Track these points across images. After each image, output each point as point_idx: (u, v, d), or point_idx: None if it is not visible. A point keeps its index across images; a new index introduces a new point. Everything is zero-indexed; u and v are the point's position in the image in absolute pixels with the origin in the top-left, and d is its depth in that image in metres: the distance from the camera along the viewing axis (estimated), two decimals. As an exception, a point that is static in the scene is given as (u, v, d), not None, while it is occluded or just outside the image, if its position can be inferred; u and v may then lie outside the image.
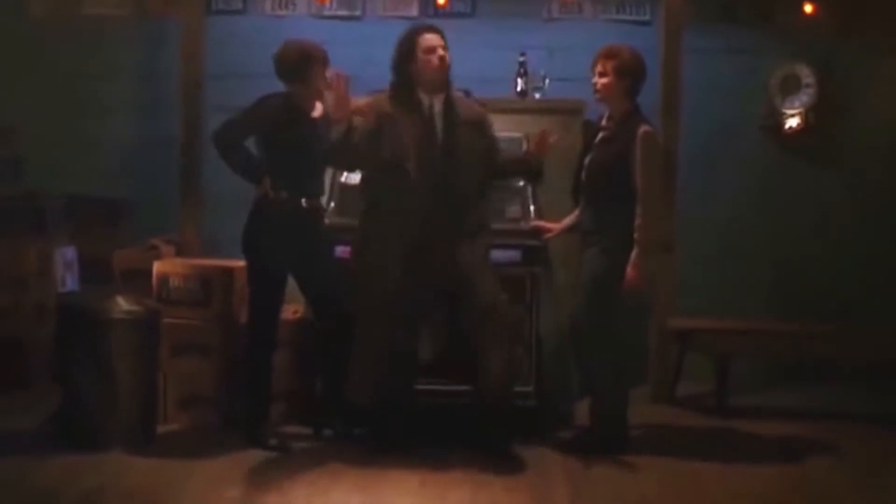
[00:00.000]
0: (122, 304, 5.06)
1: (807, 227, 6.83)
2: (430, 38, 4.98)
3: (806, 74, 6.81)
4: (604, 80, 5.10)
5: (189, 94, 6.32)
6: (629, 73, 5.11)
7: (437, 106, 5.00)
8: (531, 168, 5.21)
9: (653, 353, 6.31)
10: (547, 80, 6.09)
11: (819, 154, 6.88)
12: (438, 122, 4.98)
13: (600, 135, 5.17)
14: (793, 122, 6.84)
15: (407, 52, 4.98)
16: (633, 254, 4.96)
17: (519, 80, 6.11)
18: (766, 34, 6.78)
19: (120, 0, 6.70)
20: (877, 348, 6.22)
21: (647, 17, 6.71)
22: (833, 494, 4.71)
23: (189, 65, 6.34)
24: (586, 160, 5.15)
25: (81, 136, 6.81)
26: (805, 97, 6.82)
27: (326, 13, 6.78)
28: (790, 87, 6.83)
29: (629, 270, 4.95)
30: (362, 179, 5.20)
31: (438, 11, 6.67)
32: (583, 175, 5.15)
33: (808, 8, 6.67)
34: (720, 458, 5.15)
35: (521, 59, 6.13)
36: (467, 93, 5.83)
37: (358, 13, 6.81)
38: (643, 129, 5.04)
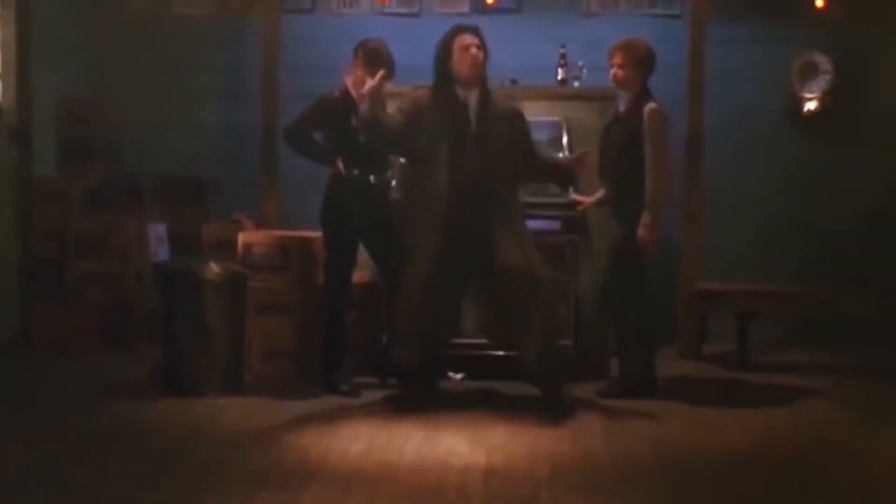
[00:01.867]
0: (214, 269, 5.64)
1: (824, 199, 7.20)
2: (465, 38, 5.26)
3: (823, 61, 7.19)
4: (622, 71, 5.58)
5: (268, 84, 6.83)
6: (644, 63, 5.58)
7: (473, 100, 5.27)
8: (566, 178, 5.58)
9: (680, 314, 6.77)
10: (584, 71, 6.52)
11: (835, 134, 7.24)
12: (472, 115, 5.26)
13: (616, 117, 5.65)
14: (811, 106, 7.24)
15: (445, 50, 5.28)
16: (644, 216, 5.44)
17: (560, 70, 6.55)
18: (785, 25, 7.14)
19: (206, 0, 7.26)
20: (888, 309, 6.63)
21: (677, 12, 7.11)
22: (835, 438, 5.10)
23: (267, 58, 6.85)
24: (607, 143, 5.63)
25: (172, 122, 7.27)
26: (822, 82, 7.20)
27: (387, 11, 7.26)
28: (808, 73, 7.22)
29: (641, 231, 5.44)
30: (402, 167, 5.62)
31: (487, 8, 7.13)
32: (603, 153, 5.64)
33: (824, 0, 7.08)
34: (737, 406, 5.62)
35: (562, 51, 6.57)
36: (514, 81, 6.31)
37: (415, 10, 7.29)
38: (650, 106, 5.52)
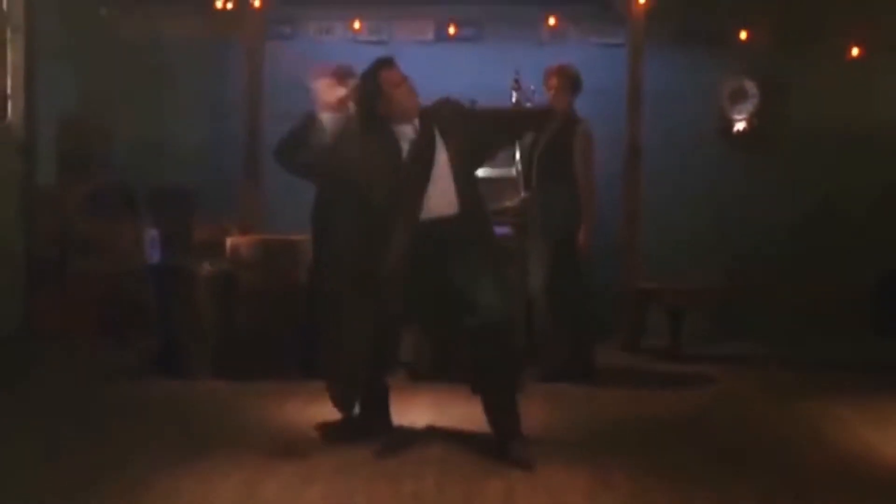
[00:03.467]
0: (207, 267, 6.37)
1: (751, 207, 8.03)
2: (393, 75, 4.87)
3: (751, 87, 8.05)
4: (557, 93, 6.35)
5: (251, 102, 7.55)
6: (575, 86, 6.37)
7: (410, 131, 4.87)
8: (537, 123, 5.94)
9: (622, 311, 7.55)
10: (535, 94, 7.24)
11: (761, 151, 8.10)
12: (405, 147, 4.84)
13: (549, 133, 6.38)
14: (740, 126, 8.09)
15: (373, 88, 4.90)
16: (583, 226, 6.22)
17: (514, 93, 7.32)
18: (717, 53, 7.99)
19: (195, 25, 7.95)
20: (802, 303, 7.45)
21: (620, 41, 7.83)
22: (751, 414, 5.88)
23: (251, 79, 7.57)
24: (535, 153, 6.38)
25: (161, 136, 7.96)
26: (750, 105, 8.06)
27: (359, 39, 8.00)
28: (738, 97, 8.07)
29: (580, 238, 6.22)
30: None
31: (450, 37, 7.89)
32: (534, 164, 6.38)
33: (752, 33, 7.90)
34: (667, 389, 6.41)
35: (516, 76, 7.34)
36: (473, 102, 7.02)
37: (384, 38, 8.04)
38: (583, 127, 6.30)
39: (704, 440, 5.28)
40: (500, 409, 4.82)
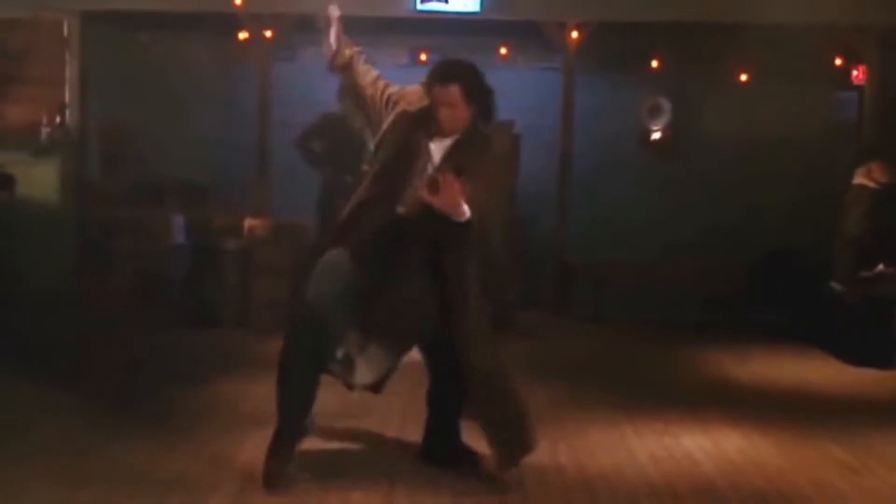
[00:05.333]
0: (230, 243, 8.07)
1: (663, 201, 9.79)
2: (437, 93, 4.50)
3: (665, 103, 9.82)
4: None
5: (262, 112, 9.21)
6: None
7: (438, 152, 4.53)
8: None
9: (555, 282, 9.30)
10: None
11: (673, 156, 9.88)
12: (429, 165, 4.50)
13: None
14: (656, 136, 9.86)
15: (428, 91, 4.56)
16: None
17: (468, 110, 8.99)
18: (638, 76, 9.76)
19: (217, 51, 9.62)
20: (699, 280, 9.21)
21: (557, 66, 9.53)
22: (641, 358, 7.65)
23: (262, 93, 9.22)
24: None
25: (189, 140, 9.54)
26: (664, 119, 9.83)
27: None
28: (654, 112, 9.84)
29: None
30: None
31: (422, 62, 9.55)
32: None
33: (664, 60, 9.66)
34: (578, 339, 8.23)
35: (471, 95, 9.01)
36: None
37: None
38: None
39: (603, 370, 7.09)
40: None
